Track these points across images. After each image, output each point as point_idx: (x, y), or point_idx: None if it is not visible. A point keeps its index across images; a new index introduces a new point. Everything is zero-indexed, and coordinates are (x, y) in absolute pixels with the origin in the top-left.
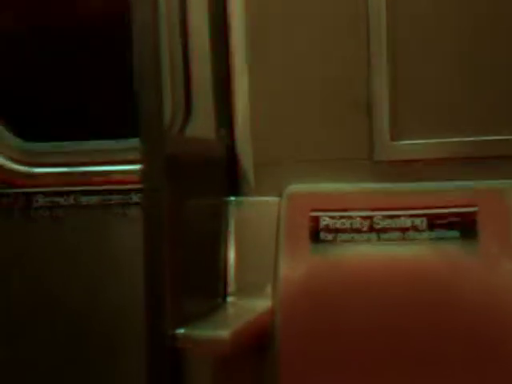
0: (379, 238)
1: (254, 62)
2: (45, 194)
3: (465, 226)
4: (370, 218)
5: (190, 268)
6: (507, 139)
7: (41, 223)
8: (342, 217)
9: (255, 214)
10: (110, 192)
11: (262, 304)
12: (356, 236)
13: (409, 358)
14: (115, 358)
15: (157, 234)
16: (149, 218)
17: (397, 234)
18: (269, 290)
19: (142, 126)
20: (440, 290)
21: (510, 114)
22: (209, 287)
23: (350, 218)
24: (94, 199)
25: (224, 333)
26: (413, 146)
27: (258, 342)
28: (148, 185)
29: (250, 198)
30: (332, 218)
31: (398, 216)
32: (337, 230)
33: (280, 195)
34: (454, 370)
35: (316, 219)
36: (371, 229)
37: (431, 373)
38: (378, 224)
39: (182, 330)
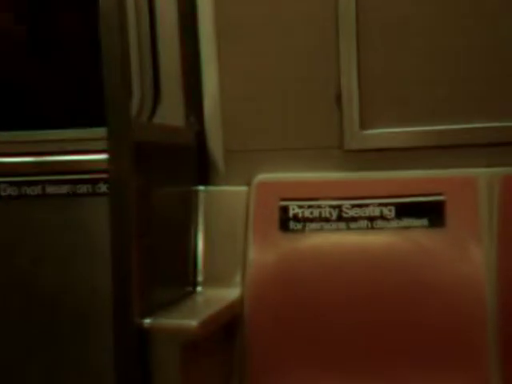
0: (348, 227)
1: (224, 48)
2: (11, 183)
3: (433, 214)
4: (339, 207)
5: (159, 257)
6: (475, 128)
7: (9, 212)
8: (310, 206)
9: (224, 202)
10: (78, 181)
11: (231, 293)
12: (325, 225)
13: (377, 343)
14: (87, 340)
15: (124, 222)
16: (115, 207)
17: (365, 223)
18: (238, 278)
19: (108, 113)
20: (409, 277)
21: (478, 103)
22: (178, 276)
23: (318, 207)
24: (63, 188)
25: (192, 322)
26: (382, 134)
27: (228, 329)
28: (114, 172)
29: (220, 187)
30: (301, 207)
31: (367, 205)
32: (306, 219)
33: (249, 183)
34: (424, 354)
35: (285, 208)
36: (340, 218)
37: (402, 358)
38: (347, 213)
39: (148, 320)
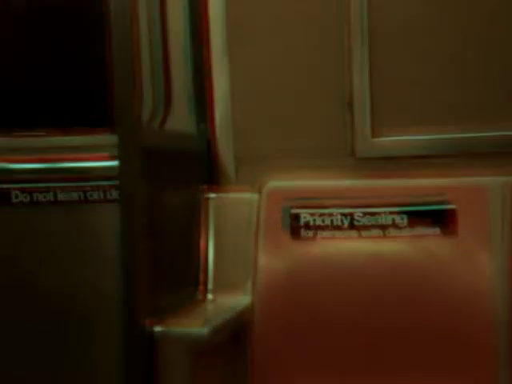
0: (360, 235)
1: (234, 56)
2: (23, 189)
3: (444, 223)
4: (351, 214)
5: (168, 263)
6: (487, 136)
7: (20, 218)
8: (322, 214)
9: (234, 210)
10: (90, 188)
11: (241, 300)
12: (336, 233)
13: (388, 351)
14: (91, 345)
15: (133, 228)
16: (125, 213)
17: (377, 231)
18: (248, 286)
19: (118, 119)
20: (420, 286)
21: (491, 111)
22: (188, 283)
23: (330, 215)
24: (74, 195)
25: (203, 330)
26: (394, 142)
27: (237, 336)
28: (124, 179)
29: (230, 194)
30: (312, 214)
31: (379, 213)
32: (317, 227)
33: (260, 190)
34: (436, 362)
35: (296, 216)
36: (352, 226)
37: (414, 367)
38: (359, 221)
39: (159, 328)
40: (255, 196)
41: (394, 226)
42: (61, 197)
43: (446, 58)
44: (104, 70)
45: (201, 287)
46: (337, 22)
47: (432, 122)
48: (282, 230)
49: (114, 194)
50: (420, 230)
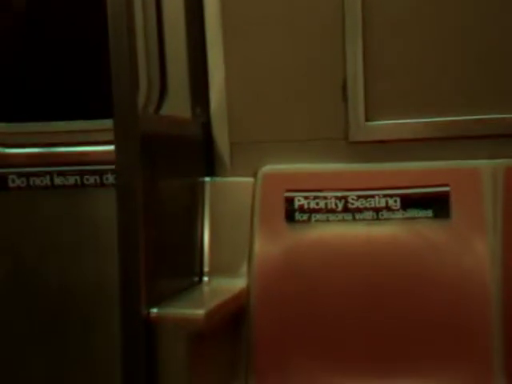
0: (354, 218)
1: (230, 41)
2: (20, 174)
3: (437, 206)
4: (345, 198)
5: (165, 247)
6: (480, 119)
7: (17, 202)
8: (316, 197)
9: (230, 194)
10: (86, 172)
11: (237, 283)
12: (331, 216)
13: (382, 334)
14: (92, 332)
15: (130, 213)
16: (122, 198)
17: (371, 214)
18: (244, 269)
19: (116, 105)
20: (413, 268)
21: (482, 95)
22: (184, 266)
23: (324, 198)
24: (70, 179)
25: (199, 311)
26: (387, 126)
27: (234, 320)
28: (121, 164)
29: (225, 179)
30: (306, 198)
31: (373, 196)
32: (311, 211)
33: (255, 175)
34: (428, 344)
35: (291, 200)
36: (346, 209)
37: (406, 349)
38: (353, 204)
39: (155, 309)
40: (250, 180)
41: (388, 208)
42: (57, 181)
43: (438, 44)
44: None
45: (197, 270)
46: (331, 8)
47: (425, 106)
48: (276, 214)
49: (111, 179)
50: (413, 213)
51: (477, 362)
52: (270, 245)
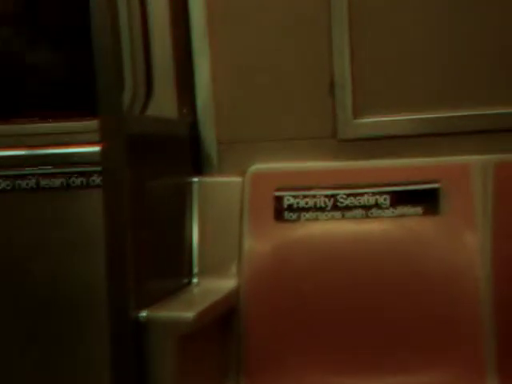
0: (343, 216)
1: (215, 40)
2: (5, 176)
3: (427, 202)
4: (334, 196)
5: (153, 249)
6: (468, 115)
7: (2, 205)
8: (305, 196)
9: (219, 193)
10: (72, 174)
11: (227, 283)
12: (320, 215)
13: (373, 331)
14: (81, 332)
15: (117, 214)
16: (109, 199)
17: (360, 212)
18: (234, 269)
19: (101, 105)
20: (404, 265)
21: (472, 90)
22: (173, 268)
23: (313, 196)
24: (56, 181)
25: (188, 314)
26: (375, 123)
27: (224, 320)
28: (108, 165)
29: (214, 178)
30: (296, 197)
31: (362, 194)
32: (301, 209)
33: (244, 174)
34: (419, 339)
35: (280, 199)
36: (335, 207)
37: (398, 345)
38: (342, 202)
39: (144, 313)
40: (239, 180)
41: (377, 206)
42: (43, 183)
43: (427, 39)
44: None
45: (186, 272)
46: (318, 4)
47: (413, 103)
48: (265, 213)
49: (97, 180)
50: (403, 210)
51: (468, 356)
52: (259, 244)
